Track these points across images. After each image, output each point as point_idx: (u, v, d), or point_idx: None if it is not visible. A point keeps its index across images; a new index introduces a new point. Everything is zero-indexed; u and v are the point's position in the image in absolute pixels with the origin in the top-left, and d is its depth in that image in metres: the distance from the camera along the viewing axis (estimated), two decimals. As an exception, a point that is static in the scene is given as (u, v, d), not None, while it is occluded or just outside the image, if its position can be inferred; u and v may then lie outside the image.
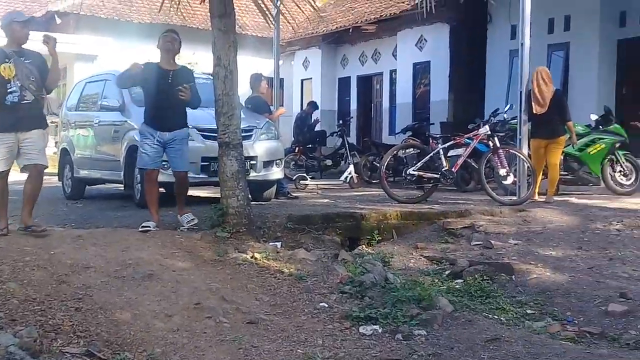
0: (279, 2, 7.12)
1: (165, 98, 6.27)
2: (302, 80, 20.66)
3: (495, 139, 8.47)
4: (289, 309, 4.85)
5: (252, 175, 8.01)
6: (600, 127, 9.86)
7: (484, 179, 8.31)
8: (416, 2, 15.85)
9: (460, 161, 8.68)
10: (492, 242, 6.80)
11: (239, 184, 6.29)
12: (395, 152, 8.97)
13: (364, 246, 7.12)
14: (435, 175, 8.55)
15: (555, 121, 8.45)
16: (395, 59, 17.32)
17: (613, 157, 9.72)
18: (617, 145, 9.71)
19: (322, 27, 18.53)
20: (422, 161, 8.60)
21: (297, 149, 13.47)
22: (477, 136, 8.72)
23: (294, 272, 5.52)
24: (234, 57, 6.32)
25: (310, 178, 13.19)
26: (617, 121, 9.93)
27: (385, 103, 18.20)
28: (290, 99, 21.13)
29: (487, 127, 8.66)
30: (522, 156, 8.43)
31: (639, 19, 12.98)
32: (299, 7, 7.00)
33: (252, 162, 8.04)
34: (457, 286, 5.84)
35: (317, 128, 14.82)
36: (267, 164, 8.31)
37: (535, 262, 6.13)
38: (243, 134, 6.75)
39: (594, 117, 10.11)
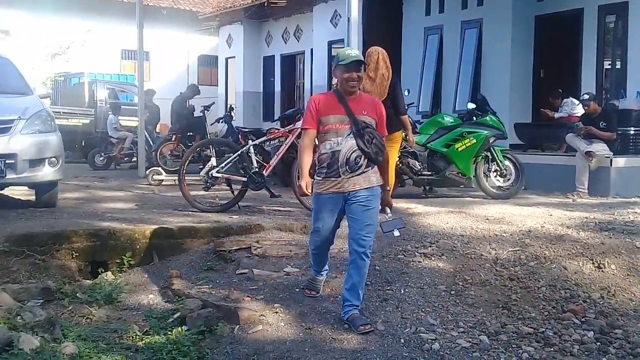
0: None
1: None
2: (226, 59, 19.08)
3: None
4: None
5: (11, 177, 6.61)
6: (475, 118, 8.32)
7: (295, 181, 6.74)
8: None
9: (273, 161, 7.02)
10: (257, 271, 5.33)
11: None
12: (197, 149, 7.38)
13: (109, 273, 5.67)
14: (243, 179, 6.93)
15: (389, 114, 6.74)
16: (316, 36, 15.77)
17: (488, 154, 8.20)
18: (492, 140, 8.17)
19: (240, 0, 16.94)
20: (228, 161, 7.00)
21: (174, 137, 11.98)
22: (293, 132, 7.08)
23: None
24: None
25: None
26: (493, 111, 8.34)
27: (308, 85, 16.65)
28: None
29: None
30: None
31: (558, -8, 11.36)
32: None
33: (8, 160, 6.57)
34: (161, 340, 4.45)
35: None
36: (35, 163, 6.78)
37: (281, 304, 4.67)
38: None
39: (471, 105, 8.57)
